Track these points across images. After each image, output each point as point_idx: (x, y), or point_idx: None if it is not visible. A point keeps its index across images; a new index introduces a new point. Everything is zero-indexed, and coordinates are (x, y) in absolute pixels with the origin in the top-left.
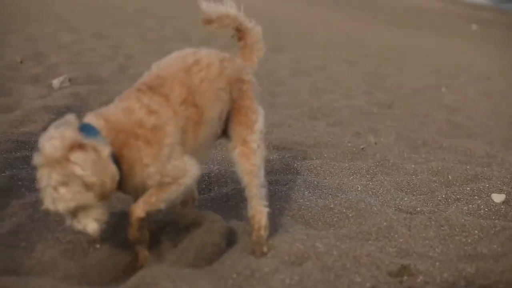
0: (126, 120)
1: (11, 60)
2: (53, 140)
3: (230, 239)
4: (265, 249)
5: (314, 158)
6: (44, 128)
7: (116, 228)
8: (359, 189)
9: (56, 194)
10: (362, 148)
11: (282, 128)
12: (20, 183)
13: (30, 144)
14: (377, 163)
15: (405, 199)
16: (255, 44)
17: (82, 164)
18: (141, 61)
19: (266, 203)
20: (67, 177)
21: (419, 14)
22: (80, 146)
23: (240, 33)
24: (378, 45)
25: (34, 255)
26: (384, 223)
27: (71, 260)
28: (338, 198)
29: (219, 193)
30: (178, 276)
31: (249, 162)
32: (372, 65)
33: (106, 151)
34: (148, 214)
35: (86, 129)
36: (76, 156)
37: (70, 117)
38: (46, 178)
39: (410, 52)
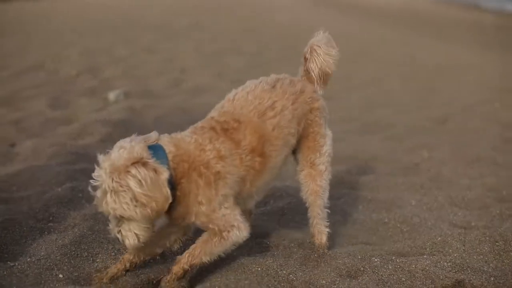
0: (194, 155)
1: (67, 74)
2: (122, 150)
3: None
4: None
5: (368, 173)
6: (101, 141)
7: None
8: (413, 203)
9: (103, 197)
10: (416, 163)
11: (336, 142)
12: (80, 195)
13: (88, 157)
14: (431, 178)
15: (459, 214)
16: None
17: (138, 180)
18: (196, 74)
19: (327, 223)
20: (120, 187)
21: (470, 28)
22: (143, 163)
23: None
24: (430, 59)
25: (96, 265)
26: (439, 238)
27: (132, 271)
28: (393, 213)
29: (275, 207)
30: None
31: (315, 183)
32: (424, 79)
33: (165, 174)
34: (191, 267)
35: (155, 150)
36: (136, 171)
37: (154, 134)
38: (101, 179)
39: (462, 66)
